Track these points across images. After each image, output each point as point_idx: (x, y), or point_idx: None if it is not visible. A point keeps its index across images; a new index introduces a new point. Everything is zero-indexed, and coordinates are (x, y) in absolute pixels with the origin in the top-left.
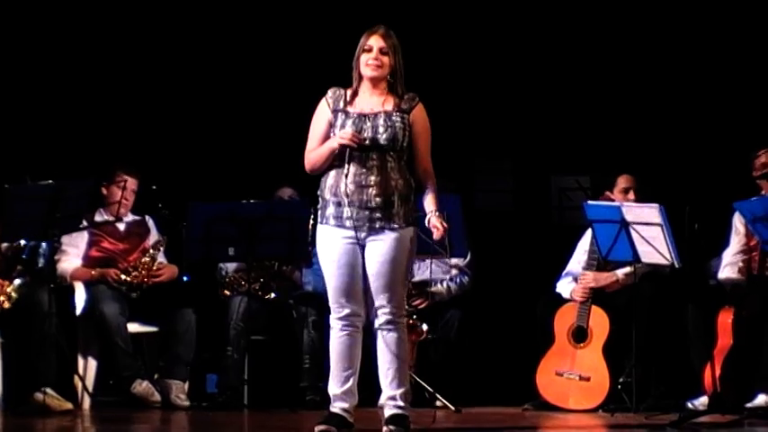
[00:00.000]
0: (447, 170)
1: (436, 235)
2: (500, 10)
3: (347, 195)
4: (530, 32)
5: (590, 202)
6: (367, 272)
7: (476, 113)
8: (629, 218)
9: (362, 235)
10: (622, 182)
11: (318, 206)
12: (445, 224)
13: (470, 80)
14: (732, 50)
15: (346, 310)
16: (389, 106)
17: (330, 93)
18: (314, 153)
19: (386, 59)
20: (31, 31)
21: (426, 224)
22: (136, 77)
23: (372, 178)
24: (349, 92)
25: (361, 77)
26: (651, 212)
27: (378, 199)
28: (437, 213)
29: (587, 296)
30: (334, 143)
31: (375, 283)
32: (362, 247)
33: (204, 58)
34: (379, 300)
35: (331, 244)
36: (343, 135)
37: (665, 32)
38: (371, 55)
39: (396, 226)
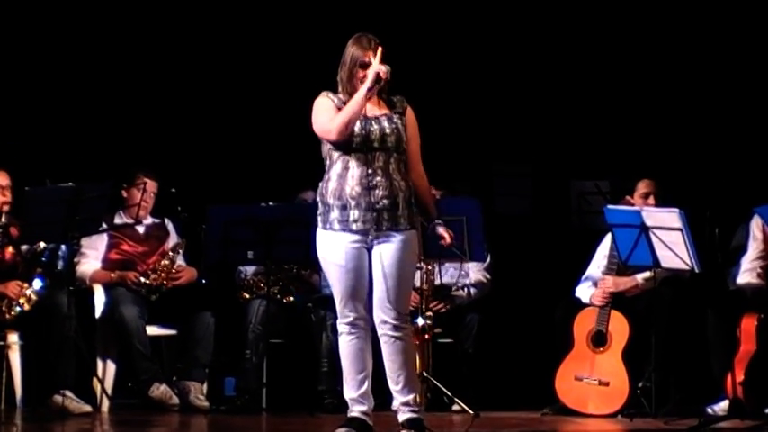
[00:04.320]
0: (466, 174)
1: (445, 243)
2: (519, 14)
3: (353, 198)
4: (549, 37)
5: (610, 206)
6: (373, 275)
7: (495, 117)
8: (649, 222)
9: (370, 237)
10: (642, 186)
11: (318, 212)
12: (451, 232)
13: (490, 84)
14: (753, 55)
15: (355, 315)
16: (385, 109)
17: (331, 94)
18: (346, 108)
19: None
20: (51, 34)
21: (430, 233)
22: (156, 80)
23: (378, 179)
24: (343, 98)
25: (354, 89)
26: (671, 217)
27: (385, 201)
28: (441, 222)
29: (607, 301)
30: (367, 83)
31: (382, 285)
32: (368, 251)
33: (224, 60)
34: (385, 304)
35: (337, 249)
36: (373, 69)
37: (685, 37)
38: (365, 72)
39: (402, 228)
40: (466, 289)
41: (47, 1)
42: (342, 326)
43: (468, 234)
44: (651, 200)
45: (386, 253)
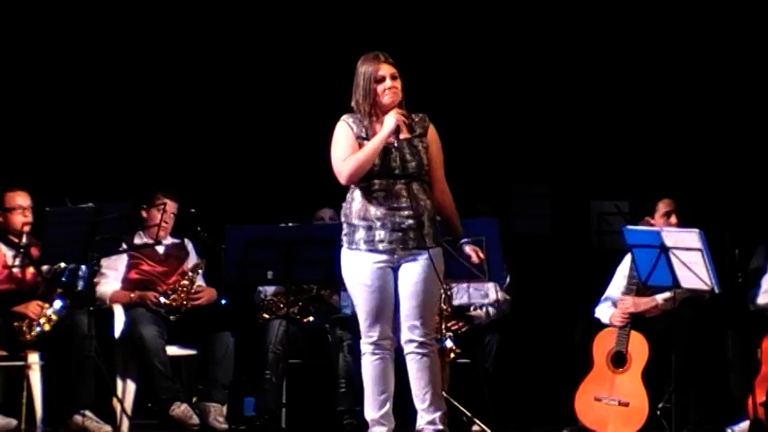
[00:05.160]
0: (485, 194)
1: (475, 259)
2: (537, 34)
3: (378, 219)
4: (567, 56)
5: (629, 226)
6: (399, 294)
7: (514, 137)
8: (668, 243)
9: (396, 257)
10: (663, 206)
11: (344, 233)
12: (479, 251)
13: (508, 104)
14: None
15: (379, 335)
16: (406, 133)
17: (350, 119)
18: (359, 154)
19: (399, 84)
20: (72, 54)
21: (458, 253)
22: (175, 101)
23: (402, 201)
24: (365, 121)
25: (373, 108)
26: (691, 237)
27: (410, 221)
28: (468, 241)
29: (626, 321)
30: (384, 132)
31: (408, 304)
32: (394, 270)
33: (243, 81)
34: (412, 322)
35: (362, 268)
36: (391, 119)
37: (705, 59)
38: (386, 84)
39: (427, 245)
40: (484, 309)
41: (67, 20)
42: (366, 346)
43: (486, 254)
44: (673, 219)
45: (412, 271)
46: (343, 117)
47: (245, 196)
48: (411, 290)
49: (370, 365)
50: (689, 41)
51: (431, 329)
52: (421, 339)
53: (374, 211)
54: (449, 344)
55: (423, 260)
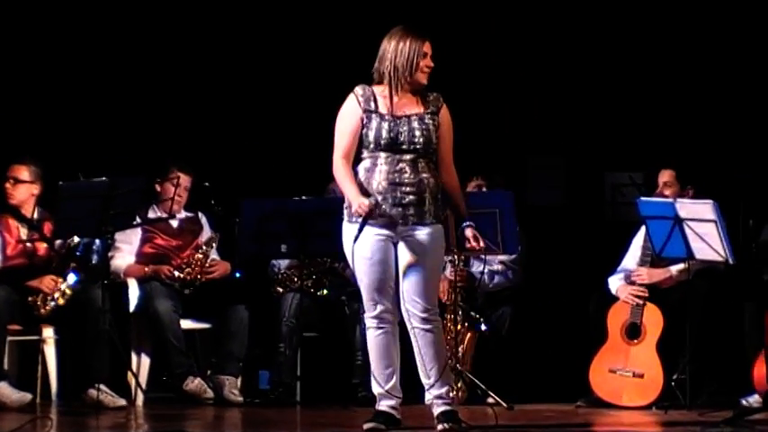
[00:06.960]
0: (499, 166)
1: (473, 244)
2: (553, 6)
3: (380, 193)
4: (582, 27)
5: (643, 198)
6: (399, 269)
7: (529, 109)
8: (682, 214)
9: (396, 232)
10: (662, 177)
11: (345, 205)
12: (480, 242)
13: (523, 76)
14: None
15: (381, 308)
16: (420, 108)
17: (360, 91)
18: (341, 177)
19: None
20: (86, 28)
21: (460, 234)
22: (188, 75)
23: (405, 177)
24: (377, 92)
25: (406, 81)
26: (705, 209)
27: (411, 197)
28: (472, 225)
29: (636, 302)
30: (354, 204)
31: (409, 278)
32: (395, 245)
33: (255, 54)
34: (413, 297)
35: (363, 241)
36: (360, 208)
37: (722, 27)
38: (427, 62)
39: (428, 222)
40: (486, 275)
41: None
42: (369, 320)
43: (501, 226)
44: (668, 190)
45: (412, 246)
46: (356, 89)
47: (258, 170)
48: (411, 265)
49: (374, 339)
50: (706, 11)
51: (433, 304)
52: (422, 314)
53: (376, 185)
54: (484, 327)
55: (423, 235)
